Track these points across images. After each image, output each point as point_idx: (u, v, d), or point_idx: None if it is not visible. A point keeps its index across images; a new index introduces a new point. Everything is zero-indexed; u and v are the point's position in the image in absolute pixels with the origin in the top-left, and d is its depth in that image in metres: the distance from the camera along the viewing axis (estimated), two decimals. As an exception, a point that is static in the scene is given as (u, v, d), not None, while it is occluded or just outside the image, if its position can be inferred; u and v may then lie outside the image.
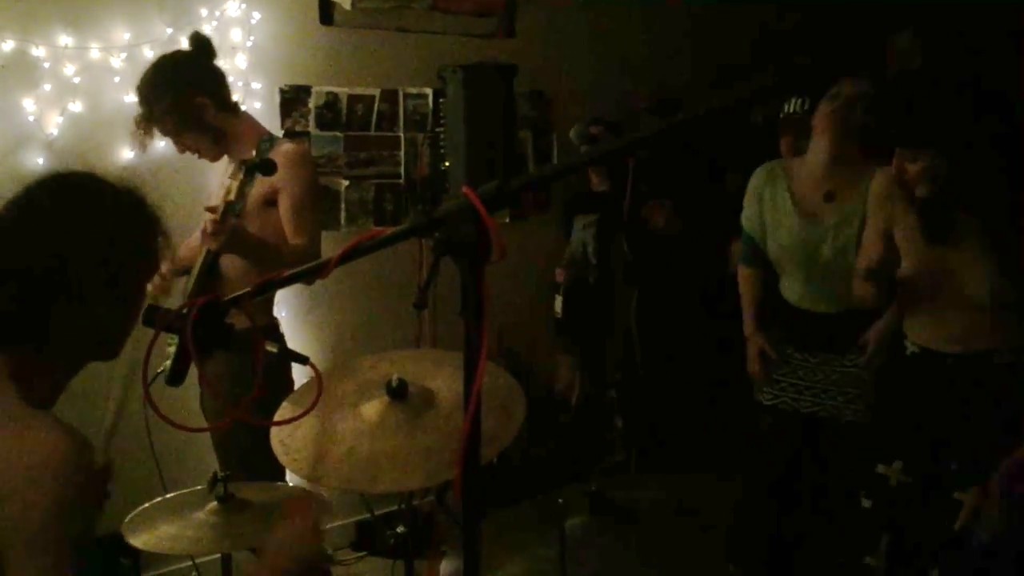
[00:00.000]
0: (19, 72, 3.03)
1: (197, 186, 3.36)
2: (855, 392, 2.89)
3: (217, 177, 2.70)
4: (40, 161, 3.08)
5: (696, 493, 3.84)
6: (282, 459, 1.85)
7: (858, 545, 2.68)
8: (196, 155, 2.67)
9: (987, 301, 2.37)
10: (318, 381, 1.46)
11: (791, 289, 3.02)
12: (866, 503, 2.67)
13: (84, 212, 1.47)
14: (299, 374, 3.61)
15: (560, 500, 2.80)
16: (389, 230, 1.16)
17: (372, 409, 1.92)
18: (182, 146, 2.65)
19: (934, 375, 2.52)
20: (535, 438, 3.99)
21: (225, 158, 2.71)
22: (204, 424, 2.75)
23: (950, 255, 2.43)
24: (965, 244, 2.40)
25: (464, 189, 1.05)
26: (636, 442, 4.28)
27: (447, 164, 3.63)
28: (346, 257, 1.19)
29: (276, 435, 1.92)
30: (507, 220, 4.23)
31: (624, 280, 4.22)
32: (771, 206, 2.99)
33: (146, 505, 2.02)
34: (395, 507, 3.65)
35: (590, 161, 1.89)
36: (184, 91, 2.55)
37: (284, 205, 2.60)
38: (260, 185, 2.51)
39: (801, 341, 3.01)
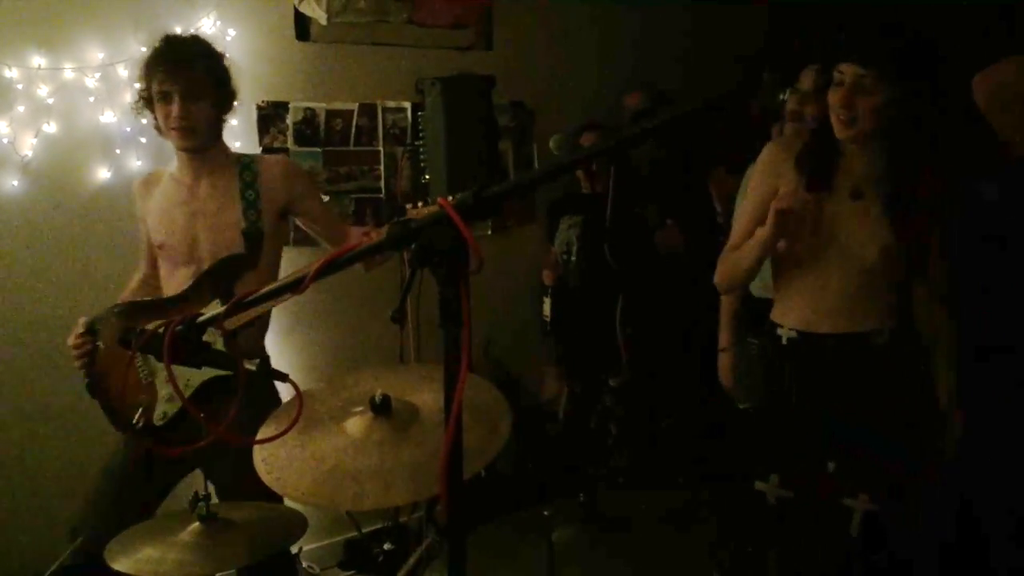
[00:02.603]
0: (-8, 94, 3.00)
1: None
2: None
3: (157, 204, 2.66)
4: (15, 183, 3.06)
5: (687, 503, 3.83)
6: (265, 478, 1.83)
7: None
8: (182, 135, 2.52)
9: (876, 259, 2.27)
10: (298, 399, 1.44)
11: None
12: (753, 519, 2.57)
13: None
14: (283, 392, 3.59)
15: (546, 512, 2.78)
16: (365, 243, 1.14)
17: (356, 425, 1.90)
18: (184, 113, 2.49)
19: (813, 360, 2.39)
20: (524, 450, 3.97)
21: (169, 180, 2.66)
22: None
23: (840, 209, 2.33)
24: (840, 194, 2.32)
25: (440, 200, 1.04)
26: (630, 450, 4.26)
27: (427, 177, 3.61)
28: (322, 272, 1.17)
29: (259, 453, 1.90)
30: (489, 232, 4.22)
31: (606, 286, 4.20)
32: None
33: (128, 530, 1.99)
34: (383, 524, 3.62)
35: (565, 168, 1.84)
36: (231, 75, 2.64)
37: (315, 209, 2.78)
38: (273, 203, 2.63)
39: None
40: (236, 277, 2.57)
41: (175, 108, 2.47)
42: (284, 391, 3.53)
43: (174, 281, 2.61)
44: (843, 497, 2.33)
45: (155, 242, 2.64)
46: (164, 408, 2.46)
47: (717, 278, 2.58)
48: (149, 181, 2.70)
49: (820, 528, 2.40)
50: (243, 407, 1.36)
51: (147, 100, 2.54)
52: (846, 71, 2.21)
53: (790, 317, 2.45)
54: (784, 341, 2.45)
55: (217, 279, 2.55)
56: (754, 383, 2.98)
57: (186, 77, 2.47)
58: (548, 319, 4.33)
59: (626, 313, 4.12)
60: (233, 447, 1.69)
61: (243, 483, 2.56)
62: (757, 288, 3.04)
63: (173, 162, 2.66)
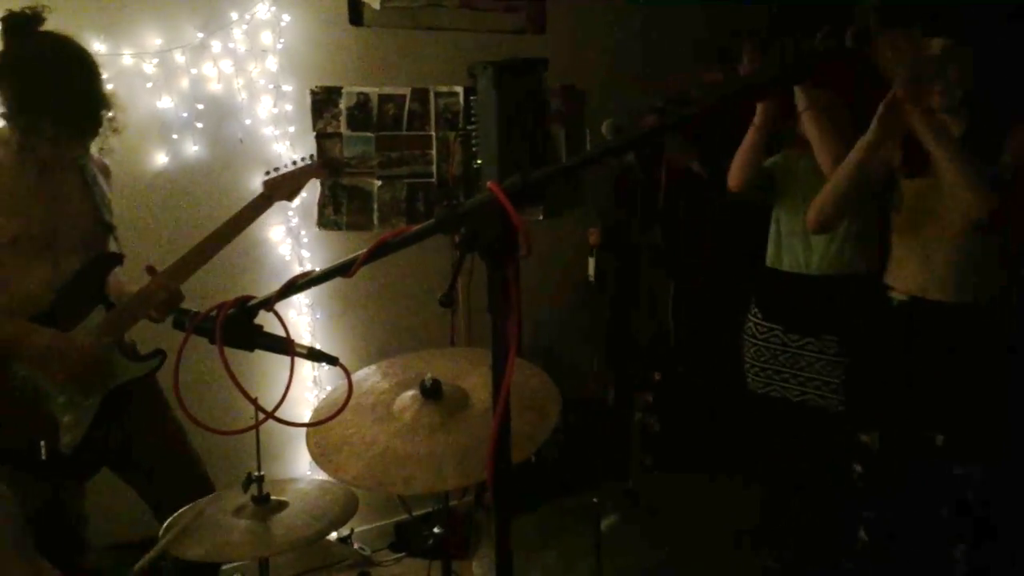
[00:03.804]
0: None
1: (226, 189, 3.39)
2: (838, 382, 2.98)
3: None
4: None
5: (731, 493, 3.79)
6: (317, 461, 1.85)
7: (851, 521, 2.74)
8: None
9: (970, 229, 2.37)
10: (348, 382, 1.45)
11: (788, 248, 3.13)
12: (858, 468, 2.74)
13: None
14: (333, 375, 3.63)
15: (595, 499, 2.78)
16: (415, 227, 1.14)
17: (407, 410, 1.91)
18: None
19: (923, 323, 2.52)
20: (571, 436, 3.96)
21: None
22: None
23: (928, 189, 2.45)
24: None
25: (489, 184, 1.03)
26: (673, 442, 4.23)
27: (479, 162, 3.61)
28: (373, 255, 1.17)
29: (311, 437, 1.92)
30: (540, 217, 4.20)
31: (651, 264, 4.16)
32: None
33: (181, 511, 2.02)
34: (433, 507, 3.64)
35: (614, 150, 1.85)
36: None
37: None
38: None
39: (785, 318, 3.10)
40: (106, 274, 2.53)
41: None
42: (334, 375, 3.58)
43: (31, 278, 2.38)
44: (953, 468, 2.45)
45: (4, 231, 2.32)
46: (71, 435, 2.36)
47: (811, 215, 2.71)
48: None
49: (920, 491, 2.55)
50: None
51: None
52: (935, 43, 2.34)
53: (902, 281, 2.60)
54: (895, 303, 2.61)
55: (90, 278, 2.48)
56: (771, 368, 3.05)
57: None
58: (593, 278, 4.29)
59: (677, 301, 4.09)
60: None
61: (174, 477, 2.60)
62: (787, 261, 3.14)
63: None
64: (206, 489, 2.56)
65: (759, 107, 2.99)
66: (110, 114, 2.45)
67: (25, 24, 2.30)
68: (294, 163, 2.94)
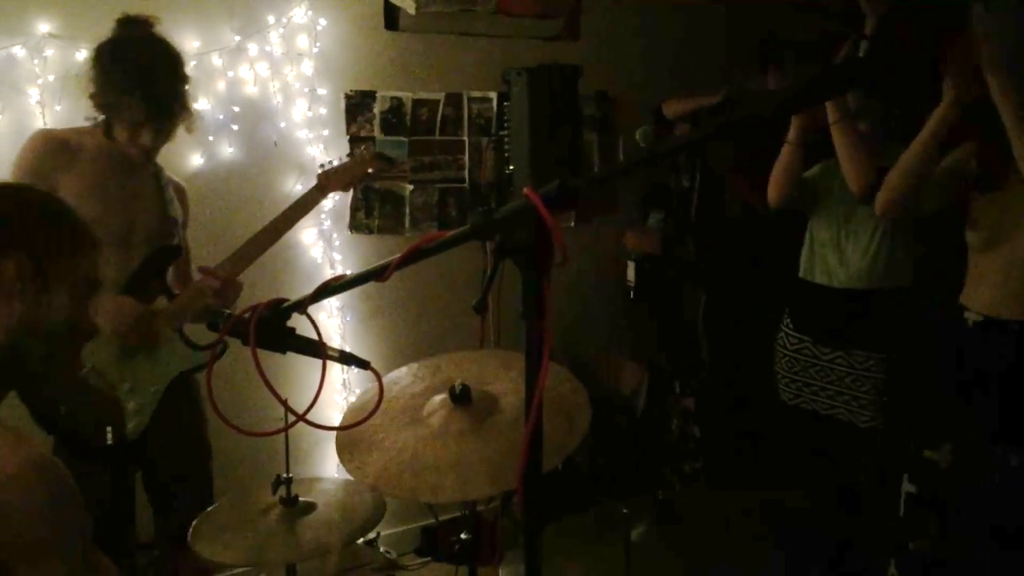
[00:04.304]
0: (93, 81, 3.09)
1: (260, 191, 3.41)
2: (867, 398, 2.96)
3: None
4: (113, 168, 3.14)
5: (766, 506, 3.75)
6: (347, 467, 1.84)
7: (903, 532, 2.72)
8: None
9: None
10: (380, 387, 1.45)
11: (821, 260, 3.10)
12: (910, 488, 2.70)
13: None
14: (362, 378, 3.63)
15: (625, 510, 2.76)
16: (449, 233, 1.13)
17: (436, 416, 1.90)
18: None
19: (998, 344, 2.50)
20: (600, 444, 3.94)
21: None
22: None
23: (1006, 206, 2.44)
24: (1013, 187, 2.41)
25: (525, 190, 1.02)
26: (711, 452, 4.19)
27: (511, 168, 3.60)
28: (406, 260, 1.17)
29: (340, 441, 1.91)
30: (572, 224, 4.19)
31: (687, 277, 4.13)
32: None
33: (209, 509, 2.03)
34: (459, 513, 3.63)
35: (651, 159, 1.84)
36: None
37: None
38: None
39: (816, 330, 3.09)
40: (167, 266, 2.65)
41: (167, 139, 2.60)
42: (364, 377, 3.58)
43: (107, 267, 2.45)
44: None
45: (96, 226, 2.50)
46: (136, 420, 2.47)
47: (882, 196, 2.66)
48: (71, 146, 2.49)
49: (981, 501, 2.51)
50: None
51: None
52: None
53: (977, 301, 2.58)
54: (970, 324, 2.58)
55: (153, 269, 2.59)
56: (801, 380, 3.03)
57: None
58: (632, 285, 4.26)
59: (708, 311, 4.05)
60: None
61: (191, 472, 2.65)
62: (819, 273, 3.11)
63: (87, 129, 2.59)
64: (210, 490, 2.71)
65: (793, 123, 2.97)
66: (187, 115, 2.58)
67: (136, 23, 2.52)
68: (348, 155, 3.08)
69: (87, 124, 2.58)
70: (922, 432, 2.72)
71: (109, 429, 2.32)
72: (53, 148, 2.45)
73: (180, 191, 2.80)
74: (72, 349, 1.48)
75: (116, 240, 2.50)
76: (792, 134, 2.98)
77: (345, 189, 3.05)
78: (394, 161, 3.23)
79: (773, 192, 3.06)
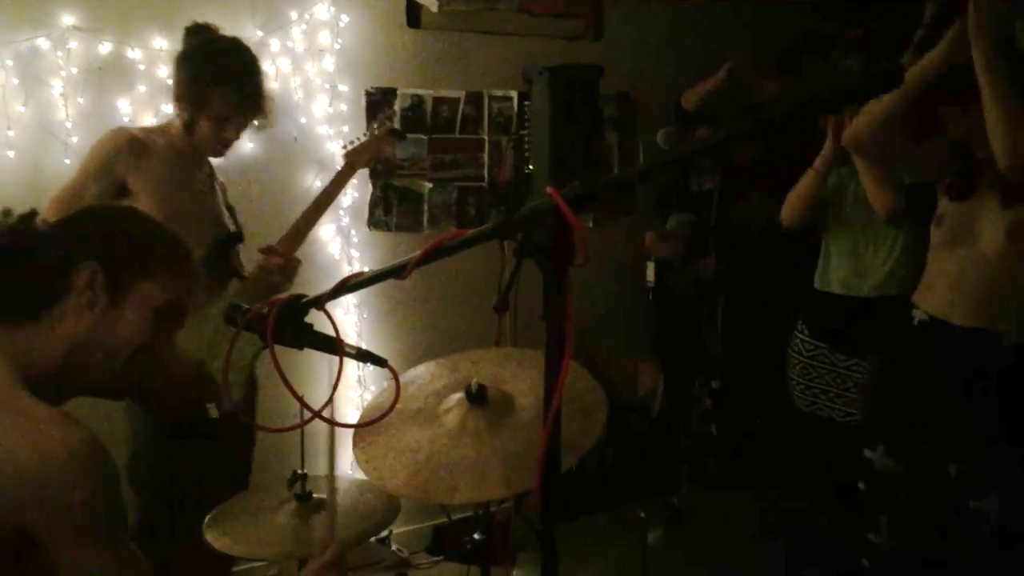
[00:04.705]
0: (115, 74, 3.11)
1: (280, 186, 3.41)
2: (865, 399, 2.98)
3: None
4: (134, 161, 3.15)
5: (782, 511, 3.72)
6: (362, 467, 1.83)
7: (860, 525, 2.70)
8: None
9: (1003, 246, 2.31)
10: (396, 386, 1.44)
11: (838, 269, 3.10)
12: (861, 486, 2.69)
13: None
14: (378, 375, 3.63)
15: (642, 514, 2.74)
16: (470, 231, 1.13)
17: (452, 415, 1.89)
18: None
19: (940, 346, 2.46)
20: (612, 444, 3.92)
21: None
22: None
23: (971, 209, 2.41)
24: (982, 194, 2.38)
25: (548, 189, 1.01)
26: (728, 454, 4.16)
27: (531, 167, 3.59)
28: (426, 258, 1.16)
29: (355, 441, 1.90)
30: (590, 224, 4.18)
31: (710, 285, 4.11)
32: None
33: (225, 503, 2.03)
34: (472, 512, 3.63)
35: (674, 161, 1.84)
36: None
37: None
38: None
39: (833, 337, 3.07)
40: (233, 250, 2.79)
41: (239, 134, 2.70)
42: (379, 375, 3.58)
43: None
44: (969, 500, 2.38)
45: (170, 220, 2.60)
46: (235, 393, 2.59)
47: (847, 134, 2.61)
48: (143, 144, 2.55)
49: (930, 506, 2.50)
50: None
51: None
52: None
53: (927, 300, 2.53)
54: (915, 322, 2.55)
55: (220, 255, 2.72)
56: (816, 386, 3.02)
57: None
58: (652, 286, 4.24)
59: (727, 314, 4.03)
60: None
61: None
62: (836, 283, 3.12)
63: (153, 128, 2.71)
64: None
65: (824, 150, 2.96)
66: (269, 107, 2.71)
67: (203, 30, 2.66)
68: (365, 135, 3.23)
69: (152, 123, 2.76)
70: (867, 430, 2.75)
71: (211, 406, 2.43)
72: (126, 146, 2.50)
73: (223, 184, 2.88)
74: (133, 370, 1.47)
75: (188, 232, 2.53)
76: (820, 161, 2.95)
77: (368, 165, 3.21)
78: (404, 136, 3.41)
79: (788, 215, 3.07)
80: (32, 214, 1.43)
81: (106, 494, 1.25)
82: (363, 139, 3.22)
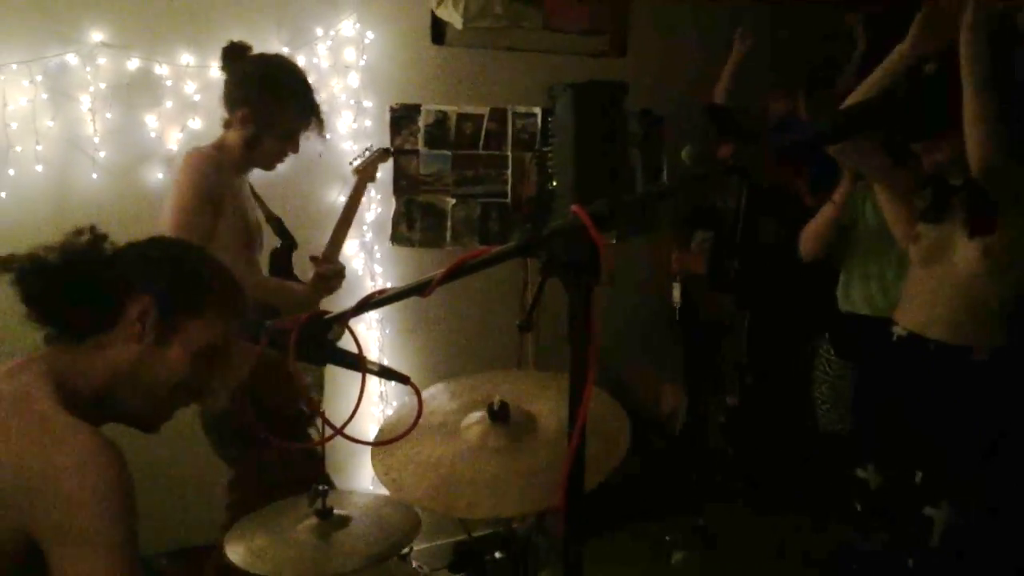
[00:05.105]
0: (143, 89, 3.14)
1: (304, 201, 3.43)
2: None
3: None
4: (160, 176, 3.18)
5: (805, 532, 3.67)
6: (382, 480, 1.83)
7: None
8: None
9: (977, 265, 2.35)
10: (419, 401, 1.43)
11: (862, 290, 3.12)
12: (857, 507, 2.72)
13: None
14: (400, 391, 3.63)
15: (667, 537, 2.72)
16: (495, 249, 1.12)
17: (473, 431, 1.89)
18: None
19: (915, 362, 2.52)
20: (634, 465, 3.89)
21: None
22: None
23: (947, 228, 2.45)
24: (955, 215, 2.43)
25: (574, 208, 1.00)
26: (746, 475, 4.11)
27: (554, 183, 3.59)
28: (450, 275, 1.15)
29: (376, 455, 1.90)
30: (613, 242, 4.16)
31: (732, 298, 4.08)
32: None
33: (246, 517, 2.03)
34: (493, 530, 3.61)
35: (702, 179, 1.84)
36: None
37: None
38: None
39: (860, 357, 3.05)
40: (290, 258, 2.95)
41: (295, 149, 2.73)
42: (401, 391, 3.57)
43: (248, 272, 2.65)
44: (924, 506, 2.44)
45: (240, 233, 2.63)
46: (317, 395, 2.79)
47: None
48: (219, 166, 2.60)
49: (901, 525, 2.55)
50: None
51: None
52: None
53: (906, 316, 2.59)
54: (894, 338, 2.58)
55: (281, 263, 2.91)
56: (843, 406, 3.01)
57: None
58: (678, 306, 4.21)
59: (752, 332, 3.99)
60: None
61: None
62: (860, 302, 3.12)
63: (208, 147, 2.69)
64: None
65: (843, 183, 2.99)
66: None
67: (241, 50, 2.69)
68: (367, 151, 3.27)
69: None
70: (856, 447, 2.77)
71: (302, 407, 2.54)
72: (215, 168, 2.56)
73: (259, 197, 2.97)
74: (167, 407, 1.48)
75: (242, 247, 2.63)
76: (839, 195, 2.97)
77: (373, 179, 3.25)
78: (390, 151, 3.44)
79: (809, 248, 3.11)
80: (101, 237, 1.44)
81: (113, 499, 1.23)
82: (368, 155, 3.25)
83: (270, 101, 2.59)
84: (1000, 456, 2.40)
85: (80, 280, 1.38)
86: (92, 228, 1.44)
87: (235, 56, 2.67)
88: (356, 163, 3.23)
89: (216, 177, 2.55)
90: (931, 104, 2.34)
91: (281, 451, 2.43)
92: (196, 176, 2.53)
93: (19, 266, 1.37)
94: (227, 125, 2.65)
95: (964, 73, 2.21)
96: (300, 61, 3.33)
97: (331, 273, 2.91)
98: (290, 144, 2.68)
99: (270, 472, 2.50)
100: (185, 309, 1.43)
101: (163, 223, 2.46)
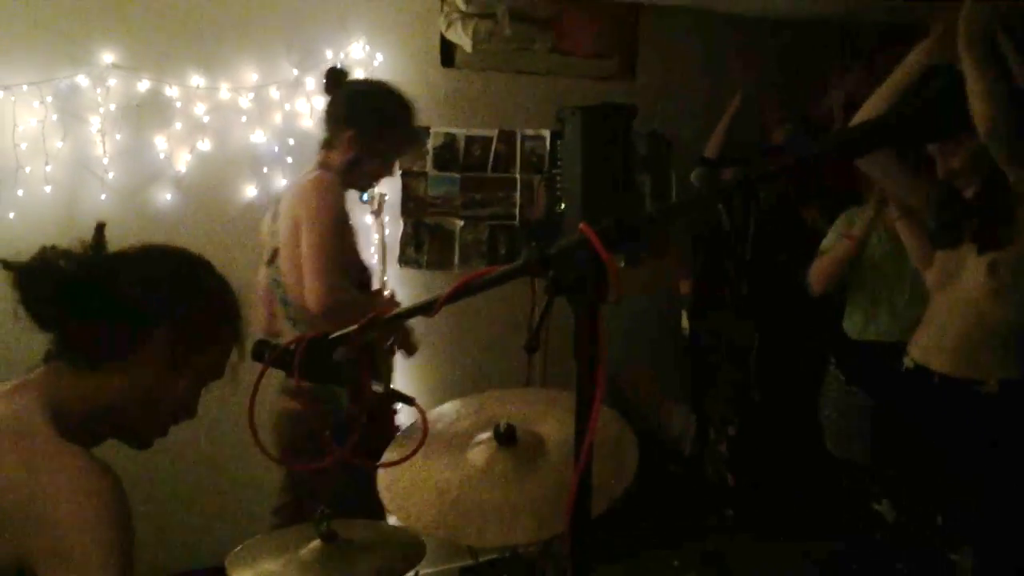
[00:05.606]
0: (152, 111, 3.15)
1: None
2: None
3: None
4: (168, 196, 3.19)
5: (814, 560, 3.63)
6: (388, 506, 1.81)
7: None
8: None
9: (984, 285, 2.27)
10: (424, 423, 1.42)
11: (873, 317, 3.10)
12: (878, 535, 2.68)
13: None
14: (405, 415, 3.60)
15: (675, 562, 2.68)
16: (500, 268, 1.10)
17: (480, 455, 1.86)
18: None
19: (922, 395, 2.43)
20: (644, 489, 3.85)
21: None
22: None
23: (952, 254, 2.40)
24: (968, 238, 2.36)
25: (581, 225, 0.99)
26: (747, 502, 4.07)
27: (563, 206, 3.58)
28: (456, 295, 1.14)
29: (383, 479, 1.88)
30: (621, 265, 4.14)
31: (737, 316, 4.06)
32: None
33: (250, 540, 2.00)
34: (500, 554, 3.57)
35: (710, 199, 1.82)
36: None
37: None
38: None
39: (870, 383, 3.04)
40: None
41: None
42: (407, 411, 3.55)
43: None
44: (948, 551, 2.34)
45: (350, 251, 2.68)
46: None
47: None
48: (342, 187, 2.65)
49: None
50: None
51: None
52: None
53: (916, 346, 2.51)
54: (903, 369, 2.53)
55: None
56: (855, 434, 2.97)
57: None
58: (687, 333, 4.19)
59: (761, 353, 3.97)
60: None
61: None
62: (868, 330, 3.11)
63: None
64: None
65: (860, 219, 3.00)
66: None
67: (344, 74, 2.77)
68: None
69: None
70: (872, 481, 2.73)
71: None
72: (339, 191, 2.59)
73: None
74: (166, 427, 1.47)
75: (344, 273, 2.64)
76: (859, 230, 3.00)
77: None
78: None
79: (820, 282, 3.08)
80: (120, 256, 1.45)
81: (104, 524, 1.21)
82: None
83: (378, 125, 2.62)
84: (1017, 497, 2.27)
85: (98, 306, 1.35)
86: (100, 227, 1.44)
87: (339, 79, 2.73)
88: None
89: (344, 198, 2.60)
90: (949, 103, 2.30)
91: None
92: (332, 198, 2.55)
93: (26, 268, 1.37)
94: (327, 145, 2.65)
95: (969, 88, 2.12)
96: (310, 84, 3.35)
97: (392, 294, 2.96)
98: (389, 167, 2.72)
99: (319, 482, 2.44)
100: (207, 338, 1.43)
101: (305, 249, 2.45)
